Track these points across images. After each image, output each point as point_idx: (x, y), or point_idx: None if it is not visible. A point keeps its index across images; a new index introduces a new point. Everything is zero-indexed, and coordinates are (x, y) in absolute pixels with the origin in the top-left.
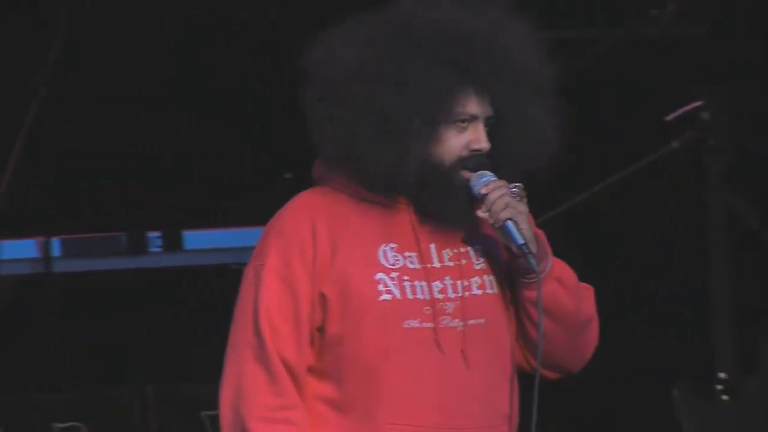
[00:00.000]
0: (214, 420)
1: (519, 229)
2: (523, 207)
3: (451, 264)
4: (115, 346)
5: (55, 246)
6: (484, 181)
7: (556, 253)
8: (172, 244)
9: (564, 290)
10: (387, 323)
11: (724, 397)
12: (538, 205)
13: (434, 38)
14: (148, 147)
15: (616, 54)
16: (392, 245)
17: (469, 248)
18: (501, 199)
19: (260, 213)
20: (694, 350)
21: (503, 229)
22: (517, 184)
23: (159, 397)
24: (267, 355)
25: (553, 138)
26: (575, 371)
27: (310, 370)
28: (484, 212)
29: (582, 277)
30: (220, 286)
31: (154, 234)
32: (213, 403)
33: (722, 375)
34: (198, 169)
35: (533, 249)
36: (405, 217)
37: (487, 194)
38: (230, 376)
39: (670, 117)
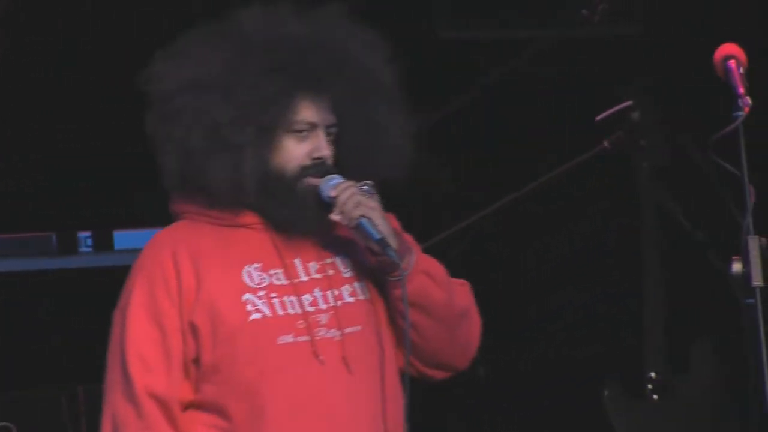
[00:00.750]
0: None
1: (374, 226)
2: (374, 203)
3: (319, 276)
4: (46, 346)
5: None
6: (332, 184)
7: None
8: (103, 243)
9: (432, 283)
10: (260, 342)
11: (655, 397)
12: (467, 206)
13: (263, 46)
14: (80, 145)
15: (547, 54)
16: (256, 265)
17: (335, 258)
18: (351, 199)
19: None
20: (625, 350)
21: (359, 228)
22: (367, 182)
23: (89, 398)
24: (134, 393)
25: (401, 143)
26: (462, 367)
27: (194, 404)
28: (337, 214)
29: (513, 277)
30: None
31: (84, 234)
32: None
33: (653, 374)
34: (131, 168)
35: (393, 244)
36: (266, 236)
37: (336, 196)
38: (107, 417)
39: (600, 117)
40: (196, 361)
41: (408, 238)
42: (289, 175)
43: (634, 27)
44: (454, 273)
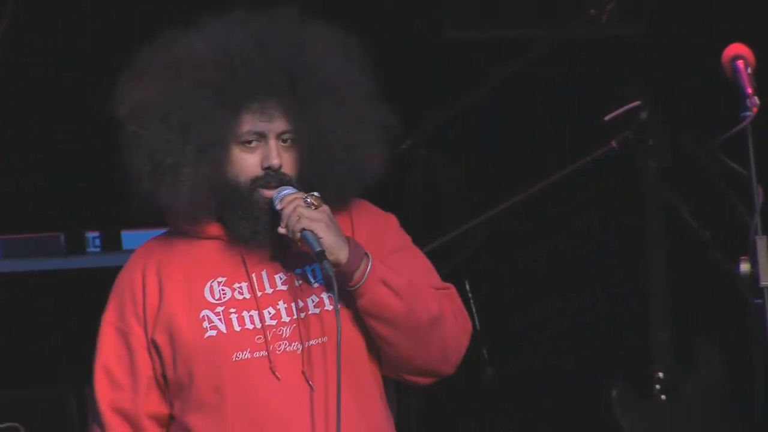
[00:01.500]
0: None
1: (317, 238)
2: (318, 215)
3: (285, 288)
4: (53, 346)
5: None
6: (279, 197)
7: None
8: (111, 243)
9: (390, 293)
10: (216, 360)
11: (663, 397)
12: (474, 206)
13: (195, 63)
14: (87, 145)
15: (551, 54)
16: (221, 279)
17: (306, 268)
18: (294, 212)
19: None
20: (631, 350)
21: (302, 241)
22: (312, 193)
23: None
24: (99, 410)
25: (360, 142)
26: (446, 372)
27: (172, 418)
28: (283, 228)
29: (520, 276)
30: None
31: (92, 234)
32: None
33: (660, 374)
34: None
35: (340, 255)
36: (234, 248)
37: (282, 209)
38: (89, 428)
39: (608, 117)
40: (165, 377)
41: (405, 240)
42: (242, 187)
43: (640, 27)
44: (460, 274)
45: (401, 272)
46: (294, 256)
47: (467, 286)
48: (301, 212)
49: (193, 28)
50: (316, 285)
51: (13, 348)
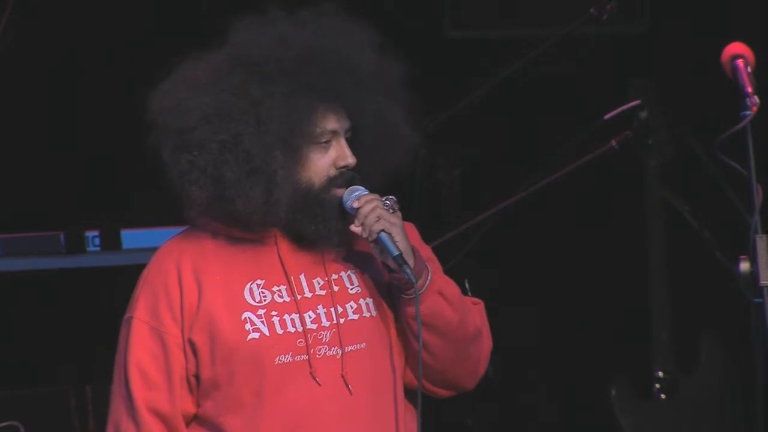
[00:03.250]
0: None
1: (393, 241)
2: (395, 219)
3: (323, 292)
4: (53, 345)
5: None
6: (355, 196)
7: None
8: (111, 243)
9: (446, 304)
10: (257, 362)
11: (663, 396)
12: (474, 205)
13: (282, 68)
14: (87, 144)
15: (555, 53)
16: (259, 281)
17: (342, 274)
18: (373, 212)
19: None
20: (632, 349)
21: (377, 242)
22: (390, 196)
23: (97, 397)
24: (135, 409)
25: (409, 134)
26: (470, 387)
27: (196, 417)
28: (358, 226)
29: (521, 275)
30: None
31: (92, 233)
32: None
33: (660, 374)
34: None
35: (410, 261)
36: (273, 251)
37: (359, 208)
38: (110, 428)
39: (608, 116)
40: (197, 376)
41: (427, 251)
42: (317, 188)
43: (640, 26)
44: (460, 274)
45: (450, 283)
46: (334, 260)
47: (467, 285)
48: (381, 213)
49: (244, 30)
50: (353, 290)
51: (13, 346)
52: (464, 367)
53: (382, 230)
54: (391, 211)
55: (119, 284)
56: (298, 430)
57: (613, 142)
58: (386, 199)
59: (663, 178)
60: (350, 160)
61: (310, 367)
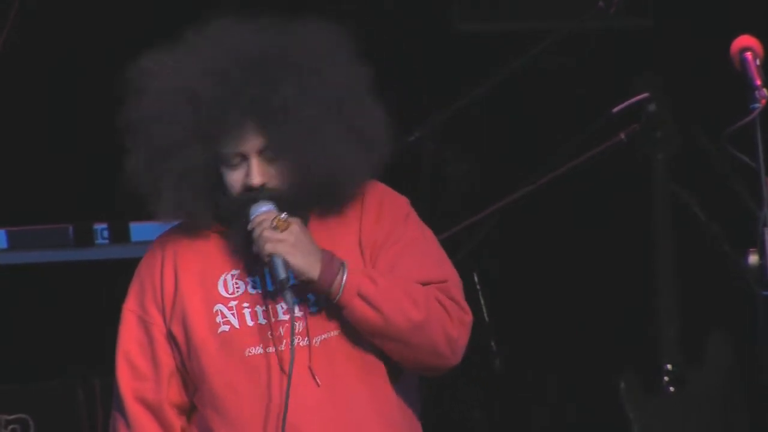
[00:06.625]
0: None
1: (284, 264)
2: (284, 236)
3: (296, 282)
4: (62, 338)
5: (2, 238)
6: (252, 216)
7: (507, 244)
8: (120, 235)
9: (366, 306)
10: (228, 355)
11: (671, 389)
12: (484, 197)
13: (176, 87)
14: (95, 136)
15: (563, 46)
16: (234, 272)
17: None
18: (261, 236)
19: None
20: (640, 342)
21: (269, 265)
22: (281, 214)
23: (106, 391)
24: (121, 400)
25: (344, 156)
26: (444, 366)
27: (194, 408)
28: (255, 249)
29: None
30: None
31: (101, 225)
32: None
33: (669, 367)
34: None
35: (312, 273)
36: (249, 243)
37: (252, 230)
38: (111, 417)
39: (616, 109)
40: (184, 366)
41: (413, 226)
42: (235, 204)
43: (648, 19)
44: (467, 266)
45: (385, 275)
46: None
47: (476, 278)
48: (267, 236)
49: (181, 43)
50: None
51: (22, 340)
52: (417, 354)
53: (271, 253)
54: (280, 230)
55: (128, 277)
56: (272, 423)
57: (622, 135)
58: (274, 219)
59: (671, 171)
60: (255, 180)
61: (278, 358)
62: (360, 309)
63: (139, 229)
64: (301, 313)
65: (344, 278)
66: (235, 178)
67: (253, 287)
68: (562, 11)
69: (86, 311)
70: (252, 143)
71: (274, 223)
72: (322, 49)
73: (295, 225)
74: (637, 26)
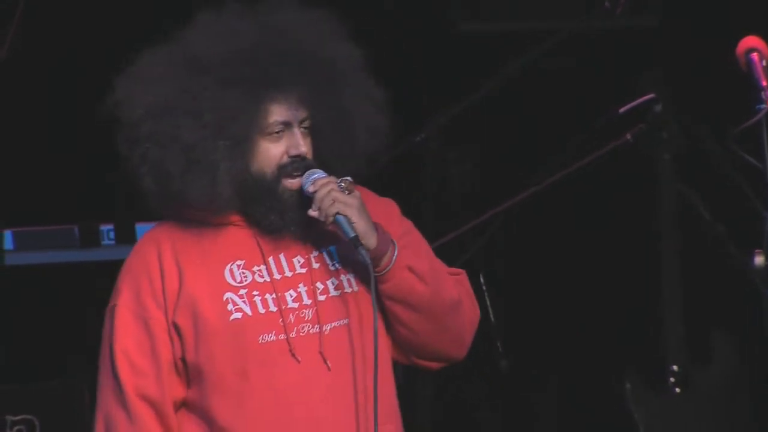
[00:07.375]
0: None
1: (350, 223)
2: (352, 200)
3: (303, 270)
4: (67, 339)
5: (8, 239)
6: (311, 180)
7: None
8: (125, 236)
9: (415, 278)
10: (241, 342)
11: (677, 390)
12: (486, 197)
13: (219, 61)
14: (100, 137)
15: (569, 46)
16: (239, 262)
17: (322, 251)
18: (328, 196)
19: None
20: (646, 342)
21: (335, 225)
22: (346, 178)
23: None
24: (124, 396)
25: (373, 120)
26: (458, 357)
27: (185, 402)
28: (315, 210)
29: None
30: None
31: (107, 226)
32: None
33: (674, 367)
34: None
35: (370, 241)
36: (249, 233)
37: (315, 192)
38: (100, 418)
39: (622, 109)
40: (184, 360)
41: (407, 225)
42: (269, 177)
43: (653, 19)
44: (473, 267)
45: (422, 257)
46: (313, 238)
47: (482, 279)
48: (336, 196)
49: (196, 25)
50: (334, 267)
51: (28, 340)
52: (446, 338)
53: (338, 213)
54: (347, 192)
55: None
56: (282, 408)
57: (628, 136)
58: (341, 181)
59: (677, 172)
60: (302, 149)
61: (289, 345)
62: (409, 281)
63: (145, 230)
64: (311, 300)
65: (395, 251)
66: (276, 150)
67: (260, 276)
68: (563, 11)
69: (91, 312)
70: (297, 111)
71: (344, 185)
72: (327, 22)
73: (358, 192)
74: (641, 26)
